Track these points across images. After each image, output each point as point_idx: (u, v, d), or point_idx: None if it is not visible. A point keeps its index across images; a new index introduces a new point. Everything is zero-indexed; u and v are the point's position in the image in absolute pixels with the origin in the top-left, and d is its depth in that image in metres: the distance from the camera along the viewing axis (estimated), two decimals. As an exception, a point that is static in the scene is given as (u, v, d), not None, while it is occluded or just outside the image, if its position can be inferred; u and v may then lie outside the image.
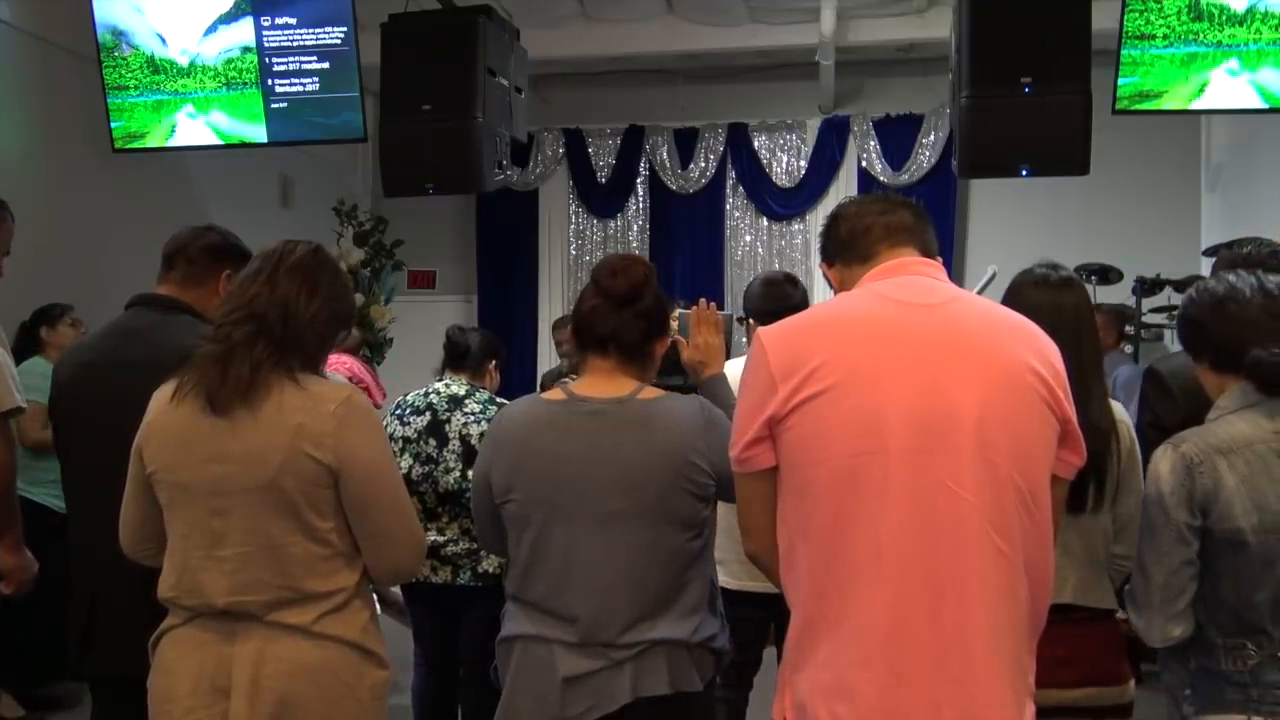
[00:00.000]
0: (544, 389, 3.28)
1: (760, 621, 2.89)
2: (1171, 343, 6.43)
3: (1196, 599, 1.75)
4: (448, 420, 3.08)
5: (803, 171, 7.69)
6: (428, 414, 3.11)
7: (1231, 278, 1.82)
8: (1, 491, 2.47)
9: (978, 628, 1.45)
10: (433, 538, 3.06)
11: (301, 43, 4.98)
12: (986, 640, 1.46)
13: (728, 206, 7.92)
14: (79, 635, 2.17)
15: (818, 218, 7.45)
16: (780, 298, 2.92)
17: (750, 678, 3.00)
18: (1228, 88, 4.23)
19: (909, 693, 1.44)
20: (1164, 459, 1.75)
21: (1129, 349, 6.21)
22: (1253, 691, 1.68)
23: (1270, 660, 1.67)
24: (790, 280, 3.04)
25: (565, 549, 1.92)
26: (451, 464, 3.04)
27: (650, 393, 1.99)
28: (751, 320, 2.98)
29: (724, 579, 2.47)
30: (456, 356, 3.21)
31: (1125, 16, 4.22)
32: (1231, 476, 1.69)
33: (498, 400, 3.16)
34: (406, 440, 3.09)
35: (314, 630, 1.77)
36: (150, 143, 5.23)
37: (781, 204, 7.78)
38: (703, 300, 2.35)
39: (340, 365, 5.22)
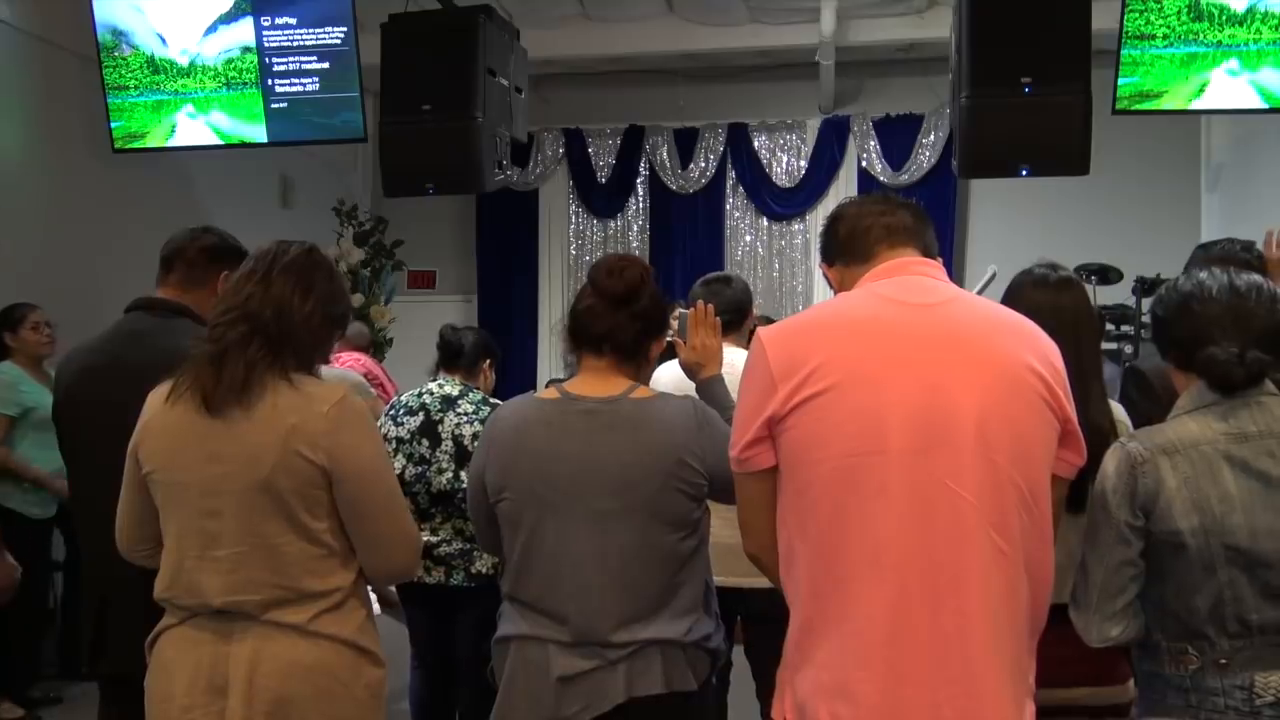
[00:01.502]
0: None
1: (729, 617, 2.88)
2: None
3: (1144, 602, 1.72)
4: (441, 421, 3.08)
5: (803, 171, 7.70)
6: (421, 414, 3.11)
7: (1203, 275, 1.77)
8: None
9: (978, 627, 1.45)
10: (426, 538, 3.05)
11: (301, 43, 4.98)
12: (986, 640, 1.46)
13: (728, 206, 7.93)
14: (91, 636, 2.18)
15: (818, 218, 7.46)
16: (713, 294, 2.93)
17: (725, 674, 2.99)
18: (1228, 88, 4.23)
19: (909, 693, 1.44)
20: (1111, 457, 1.72)
21: (1129, 349, 6.21)
22: (1193, 697, 1.65)
23: (1212, 666, 1.64)
24: (724, 280, 3.08)
25: (557, 548, 1.92)
26: (444, 464, 3.04)
27: (643, 392, 1.99)
28: None
29: None
30: (450, 356, 3.21)
31: (1125, 16, 4.23)
32: (1173, 477, 1.65)
33: (491, 400, 3.15)
34: (400, 441, 3.09)
35: (310, 629, 1.77)
36: (150, 143, 5.23)
37: (781, 204, 7.78)
38: (700, 302, 2.35)
39: (355, 363, 5.23)
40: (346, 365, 5.08)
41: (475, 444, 2.93)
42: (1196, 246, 2.83)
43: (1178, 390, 1.81)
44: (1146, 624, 1.73)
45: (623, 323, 1.99)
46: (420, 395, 3.16)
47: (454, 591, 3.06)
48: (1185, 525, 1.64)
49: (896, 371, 1.49)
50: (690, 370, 2.30)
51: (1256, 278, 1.76)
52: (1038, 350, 1.55)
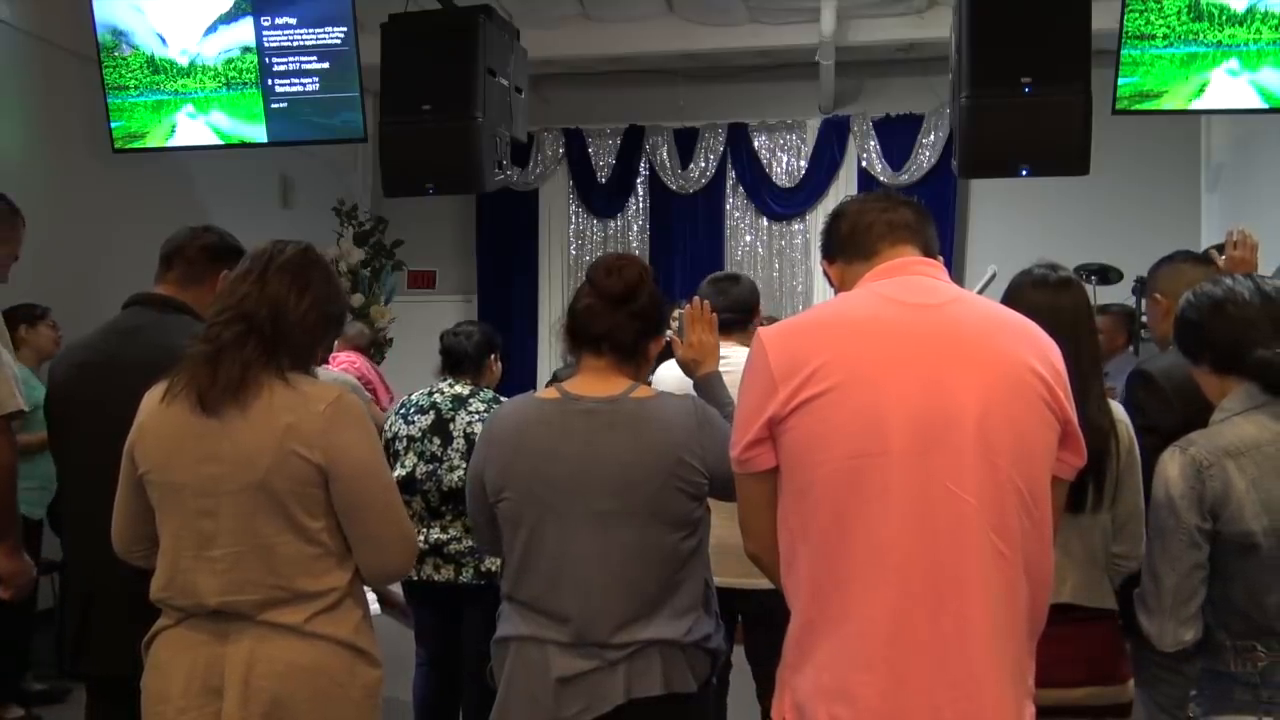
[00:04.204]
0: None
1: (729, 618, 2.88)
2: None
3: (1204, 601, 1.74)
4: (452, 419, 3.10)
5: (803, 171, 7.70)
6: (432, 413, 3.12)
7: (1228, 281, 1.82)
8: (2, 495, 2.46)
9: (978, 630, 1.45)
10: (436, 535, 3.07)
11: (301, 43, 4.98)
12: (987, 642, 1.45)
13: (728, 206, 7.93)
14: (73, 636, 2.18)
15: (818, 218, 7.46)
16: (720, 292, 2.95)
17: (725, 676, 2.99)
18: (1228, 88, 4.23)
19: (910, 695, 1.44)
20: (1172, 462, 1.75)
21: (1128, 349, 6.21)
22: (1263, 692, 1.68)
23: None
24: (731, 278, 3.10)
25: (558, 548, 1.91)
26: (455, 462, 3.05)
27: (644, 391, 1.99)
28: None
29: None
30: (454, 364, 3.22)
31: (1125, 16, 4.22)
32: (1241, 479, 1.68)
33: (501, 399, 3.16)
34: (411, 439, 3.11)
35: (306, 630, 1.77)
36: (150, 143, 5.23)
37: (781, 204, 7.78)
38: (696, 299, 2.34)
39: (349, 365, 5.20)
40: (341, 366, 5.06)
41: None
42: (1161, 260, 2.74)
43: (1208, 393, 1.82)
44: (1207, 623, 1.75)
45: (622, 322, 1.98)
46: (431, 395, 3.18)
47: (463, 589, 3.08)
48: (1257, 526, 1.67)
49: (898, 372, 1.49)
50: (687, 367, 2.29)
51: (1278, 282, 1.79)
52: (1039, 351, 1.55)
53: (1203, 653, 1.77)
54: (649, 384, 2.07)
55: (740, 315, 2.91)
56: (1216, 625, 1.74)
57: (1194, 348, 1.85)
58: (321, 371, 4.39)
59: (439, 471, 3.07)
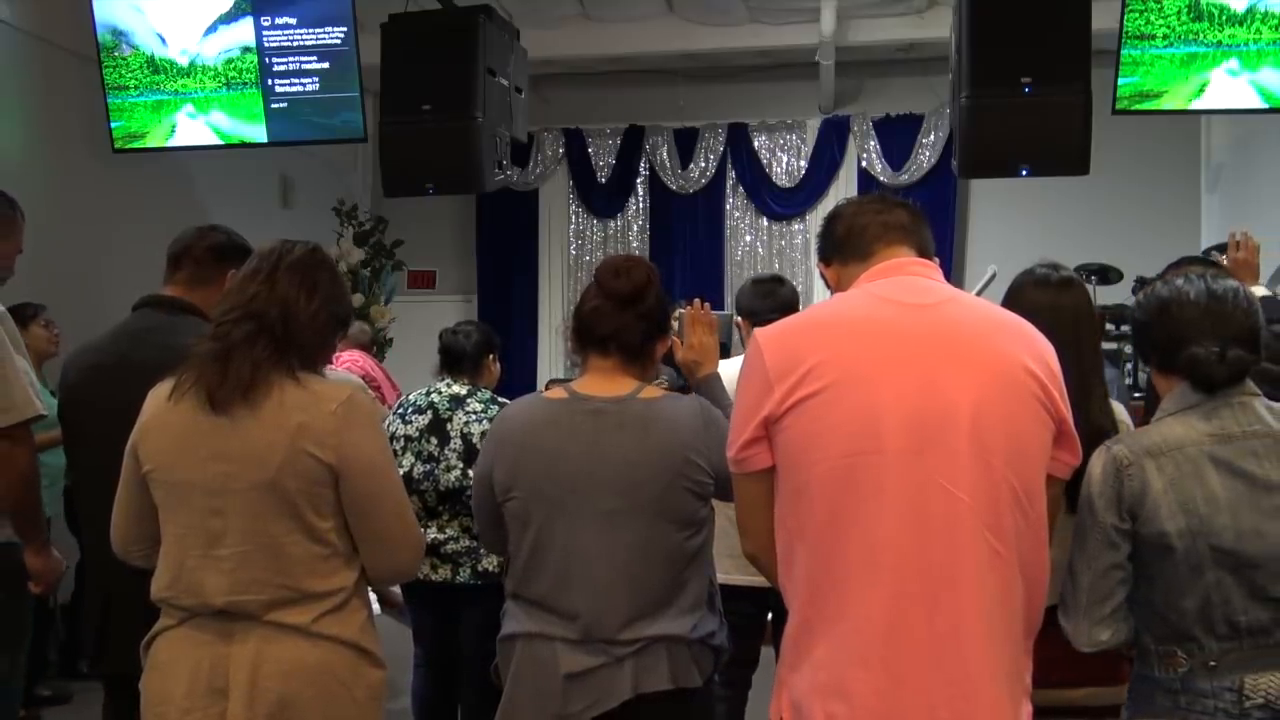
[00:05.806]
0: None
1: (754, 617, 2.88)
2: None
3: (1131, 605, 1.72)
4: (449, 419, 3.10)
5: (803, 171, 7.70)
6: (429, 413, 3.12)
7: (1180, 281, 1.78)
8: (28, 498, 2.46)
9: (973, 628, 1.46)
10: (433, 535, 3.07)
11: (301, 43, 4.98)
12: (982, 641, 1.46)
13: (728, 206, 7.93)
14: (94, 635, 2.18)
15: (818, 218, 7.43)
16: (766, 294, 2.99)
17: (748, 676, 2.99)
18: (1228, 88, 4.23)
19: (905, 693, 1.44)
20: (1097, 460, 1.72)
21: (1128, 349, 6.21)
22: (1182, 699, 1.65)
23: (1201, 668, 1.64)
24: (777, 279, 3.13)
25: (565, 546, 1.93)
26: (453, 462, 3.05)
27: (650, 392, 2.00)
28: (740, 319, 3.02)
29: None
30: (453, 362, 3.22)
31: (1125, 16, 4.23)
32: (1159, 479, 1.65)
33: (499, 400, 3.17)
34: (408, 439, 3.10)
35: (312, 630, 1.77)
36: (150, 143, 5.23)
37: (781, 204, 7.79)
38: (696, 300, 2.35)
39: (353, 364, 5.20)
40: (345, 365, 5.06)
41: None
42: (1169, 266, 2.84)
43: (1159, 393, 1.81)
44: (1136, 626, 1.73)
45: (629, 323, 1.99)
46: (429, 394, 3.18)
47: (460, 589, 3.07)
48: (1172, 527, 1.64)
49: (892, 371, 1.49)
50: (687, 369, 2.30)
51: (1232, 282, 1.76)
52: (1034, 350, 1.55)
53: (1135, 657, 1.76)
54: (656, 383, 2.07)
55: (785, 316, 2.93)
56: (1142, 629, 1.71)
57: (1142, 348, 1.84)
58: (327, 371, 4.40)
59: (436, 471, 3.07)
